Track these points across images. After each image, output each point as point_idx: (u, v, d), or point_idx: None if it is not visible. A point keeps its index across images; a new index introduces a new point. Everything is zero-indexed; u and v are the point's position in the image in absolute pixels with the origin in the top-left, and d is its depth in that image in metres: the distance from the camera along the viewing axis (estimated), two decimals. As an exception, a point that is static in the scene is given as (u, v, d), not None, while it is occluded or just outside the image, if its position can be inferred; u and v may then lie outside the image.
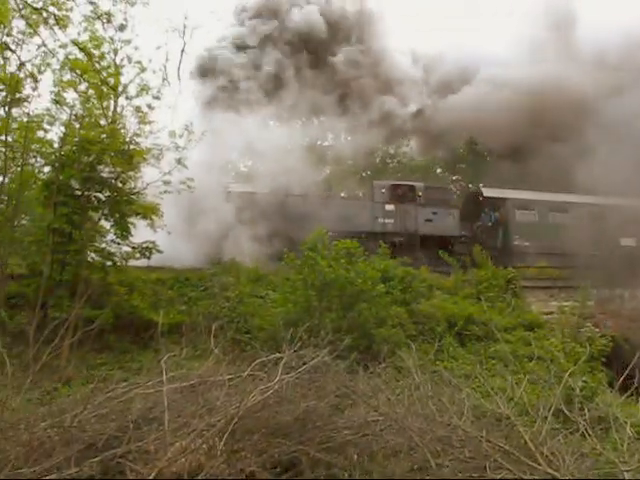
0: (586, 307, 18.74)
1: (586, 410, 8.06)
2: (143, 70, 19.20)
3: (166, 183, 16.68)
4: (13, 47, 16.74)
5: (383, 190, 24.41)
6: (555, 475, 5.98)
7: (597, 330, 16.27)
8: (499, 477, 6.02)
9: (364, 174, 39.64)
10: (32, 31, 16.19)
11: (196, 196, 17.57)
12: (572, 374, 9.16)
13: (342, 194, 32.32)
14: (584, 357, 11.35)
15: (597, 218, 25.09)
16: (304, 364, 7.96)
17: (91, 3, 15.28)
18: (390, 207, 23.74)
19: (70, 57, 16.60)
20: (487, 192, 26.69)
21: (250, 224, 20.27)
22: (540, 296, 20.97)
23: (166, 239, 16.50)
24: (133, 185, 16.35)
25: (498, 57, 31.40)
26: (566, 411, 8.02)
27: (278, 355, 8.13)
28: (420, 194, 24.63)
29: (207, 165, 18.71)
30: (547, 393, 9.24)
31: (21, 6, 15.19)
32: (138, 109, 17.37)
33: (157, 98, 18.26)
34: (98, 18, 15.52)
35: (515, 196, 26.22)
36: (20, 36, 16.81)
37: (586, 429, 7.36)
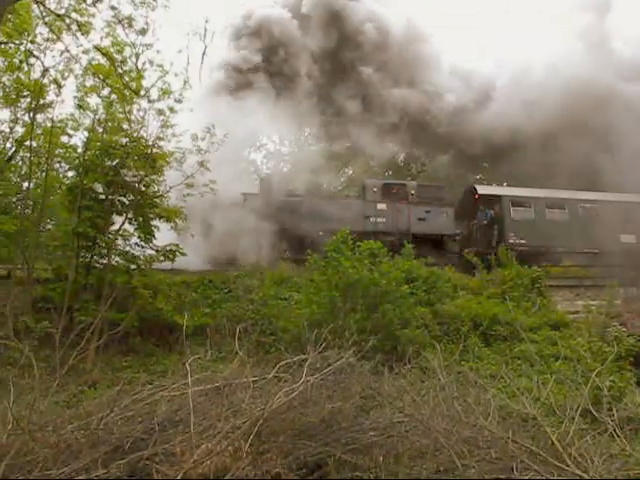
0: (613, 306, 18.54)
1: (614, 410, 7.98)
2: (165, 73, 19.31)
3: (189, 186, 16.77)
4: (37, 54, 16.94)
5: (375, 189, 24.23)
6: (583, 476, 5.92)
7: (624, 329, 16.07)
8: (526, 478, 5.97)
9: (386, 174, 39.49)
10: (55, 37, 16.36)
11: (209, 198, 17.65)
12: (599, 374, 9.06)
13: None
14: (611, 356, 11.21)
15: (597, 215, 24.97)
16: (329, 365, 7.94)
17: (113, 8, 15.38)
18: (382, 206, 23.57)
19: (93, 62, 16.74)
20: (482, 190, 26.46)
21: (257, 225, 20.37)
22: (566, 295, 20.77)
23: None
24: (156, 188, 16.45)
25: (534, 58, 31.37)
26: (594, 411, 7.93)
27: (302, 356, 8.11)
28: (413, 192, 24.41)
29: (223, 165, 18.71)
30: (574, 393, 9.14)
31: (44, 13, 15.34)
32: (160, 112, 17.45)
33: (179, 101, 18.34)
34: (119, 23, 15.62)
35: (510, 193, 26.01)
36: (44, 43, 17.02)
37: (615, 429, 7.26)
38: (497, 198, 25.45)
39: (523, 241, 24.11)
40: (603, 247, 23.38)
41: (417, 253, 20.29)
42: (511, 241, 23.92)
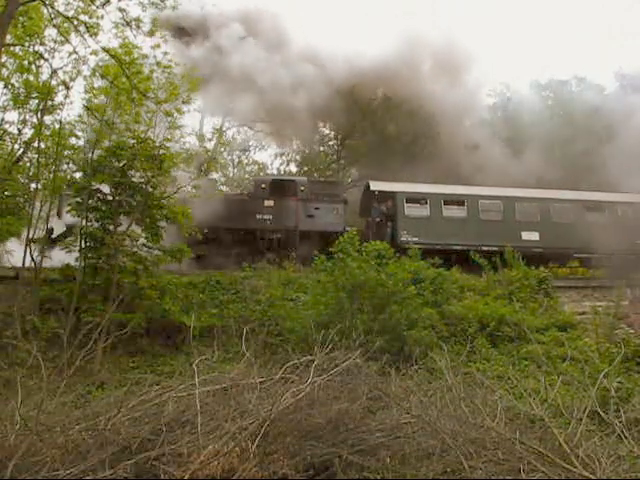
0: (620, 307, 18.47)
1: (622, 412, 7.93)
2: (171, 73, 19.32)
3: (196, 187, 16.82)
4: (46, 55, 16.99)
5: (263, 185, 23.87)
6: (591, 478, 5.89)
7: (632, 331, 16.04)
8: (534, 479, 5.96)
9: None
10: (64, 39, 16.40)
11: None
12: (607, 375, 9.02)
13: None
14: (619, 358, 11.17)
15: (499, 211, 24.54)
16: (336, 366, 7.95)
17: (120, 10, 15.42)
18: (269, 203, 23.10)
19: (101, 64, 16.78)
20: (375, 185, 25.47)
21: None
22: (573, 296, 20.71)
23: None
24: (163, 189, 16.50)
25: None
26: (601, 413, 7.90)
27: (310, 357, 8.11)
28: (303, 189, 23.90)
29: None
30: (581, 394, 9.11)
31: (53, 15, 15.39)
32: (168, 114, 17.46)
33: (186, 102, 18.33)
34: (127, 25, 15.65)
35: (405, 189, 25.05)
36: (52, 44, 17.05)
37: (622, 431, 7.23)
38: (391, 194, 24.64)
39: (416, 239, 23.09)
40: (505, 245, 22.31)
41: (306, 250, 20.46)
42: (403, 239, 23.09)
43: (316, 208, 23.61)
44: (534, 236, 24.31)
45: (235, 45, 30.11)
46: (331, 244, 22.71)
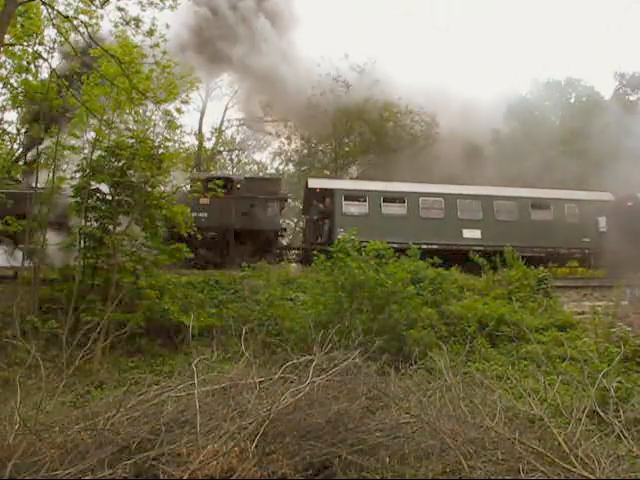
0: (619, 307, 18.45)
1: (621, 411, 7.95)
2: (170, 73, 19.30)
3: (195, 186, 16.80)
4: (45, 55, 16.99)
5: (199, 183, 23.25)
6: (590, 478, 5.90)
7: (631, 330, 16.02)
8: (533, 479, 5.96)
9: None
10: (63, 39, 16.39)
11: None
12: (606, 375, 9.02)
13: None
14: (618, 357, 11.18)
15: (440, 208, 24.26)
16: (335, 366, 7.94)
17: (120, 9, 15.39)
18: (205, 201, 21.81)
19: (100, 63, 16.76)
20: (313, 183, 25.31)
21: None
22: (572, 296, 20.69)
23: None
24: (162, 189, 16.49)
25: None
26: (601, 412, 7.91)
27: (309, 357, 8.11)
28: (239, 186, 23.27)
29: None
30: (581, 394, 9.11)
31: (52, 15, 15.38)
32: (167, 113, 17.47)
33: (185, 102, 18.35)
34: (127, 24, 15.63)
35: (343, 186, 24.91)
36: (51, 44, 17.05)
37: (622, 431, 7.24)
38: (330, 191, 24.22)
39: (352, 237, 22.61)
40: (447, 242, 22.58)
41: (241, 249, 20.40)
42: (340, 237, 21.52)
43: (251, 206, 23.04)
44: (476, 234, 23.99)
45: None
46: (270, 243, 22.36)
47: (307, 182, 26.02)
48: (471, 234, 23.92)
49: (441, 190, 24.96)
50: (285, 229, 23.84)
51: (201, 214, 21.90)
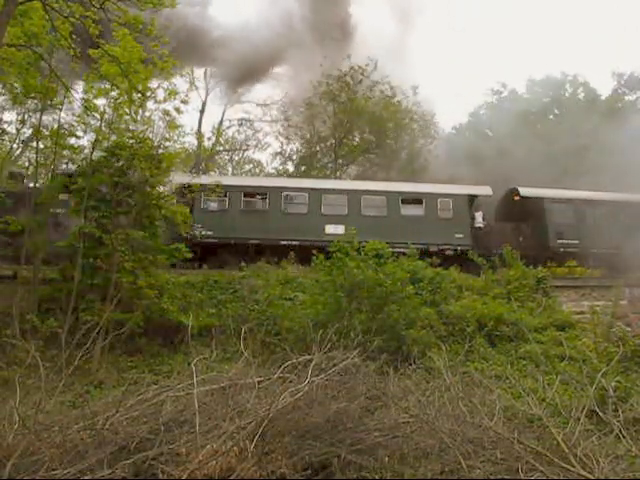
0: (618, 307, 18.45)
1: (620, 411, 7.95)
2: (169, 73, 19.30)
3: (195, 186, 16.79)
4: (45, 55, 16.95)
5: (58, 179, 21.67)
6: (589, 477, 5.91)
7: (630, 330, 16.03)
8: (532, 479, 5.96)
9: None
10: (63, 40, 16.37)
11: None
12: (605, 374, 9.03)
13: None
14: (617, 357, 11.18)
15: (305, 204, 23.42)
16: (334, 366, 7.96)
17: (119, 10, 15.34)
18: (64, 196, 19.51)
19: (101, 63, 16.75)
20: (178, 178, 22.97)
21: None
22: (571, 295, 20.68)
23: None
24: (162, 189, 16.49)
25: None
26: (599, 412, 7.92)
27: (308, 357, 8.12)
28: None
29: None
30: (580, 394, 9.14)
31: (52, 16, 15.35)
32: (166, 113, 17.47)
33: (185, 102, 18.33)
34: (125, 25, 15.60)
35: (204, 182, 23.05)
36: (51, 45, 17.01)
37: (620, 430, 7.25)
38: (189, 187, 22.43)
39: (210, 232, 22.09)
40: (308, 238, 21.73)
41: None
42: (196, 232, 21.57)
43: None
44: (339, 230, 22.62)
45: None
46: None
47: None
48: (334, 230, 22.74)
49: (305, 185, 24.36)
50: None
51: (58, 210, 19.97)
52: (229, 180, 24.52)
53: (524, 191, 25.02)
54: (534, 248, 23.62)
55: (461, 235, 23.12)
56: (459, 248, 23.03)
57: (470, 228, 23.79)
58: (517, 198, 24.97)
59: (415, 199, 24.25)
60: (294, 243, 21.59)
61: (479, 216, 24.42)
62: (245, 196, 23.57)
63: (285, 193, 23.66)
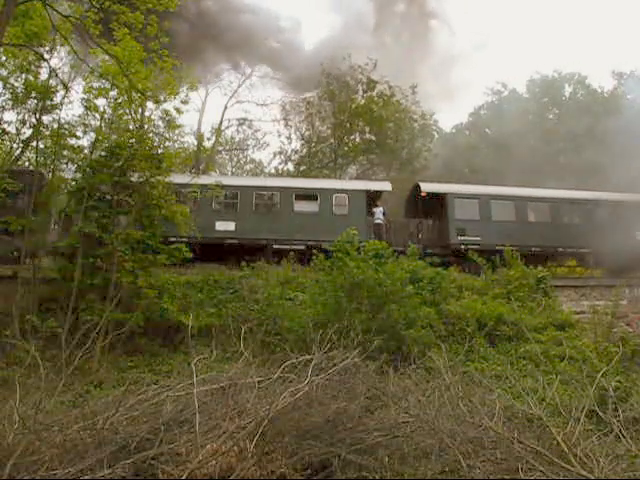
0: (618, 306, 18.43)
1: (620, 411, 7.94)
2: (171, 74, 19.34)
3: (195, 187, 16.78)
4: (45, 55, 16.98)
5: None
6: (589, 477, 5.90)
7: (630, 330, 16.04)
8: (532, 479, 5.96)
9: None
10: (63, 40, 16.39)
11: None
12: (605, 374, 9.03)
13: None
14: (617, 357, 11.19)
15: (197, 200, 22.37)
16: (334, 365, 7.95)
17: (119, 10, 15.35)
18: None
19: (100, 63, 16.77)
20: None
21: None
22: (571, 295, 20.67)
23: None
24: (162, 189, 16.50)
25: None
26: (600, 412, 7.91)
27: (308, 357, 8.12)
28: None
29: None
30: (580, 394, 9.13)
31: (52, 16, 15.36)
32: (166, 113, 17.50)
33: (185, 102, 18.36)
34: (125, 25, 15.61)
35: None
36: (51, 44, 17.04)
37: (620, 430, 7.23)
38: None
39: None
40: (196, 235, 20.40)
41: None
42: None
43: None
44: (230, 226, 22.90)
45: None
46: None
47: None
48: (224, 226, 22.82)
49: (199, 181, 22.97)
50: None
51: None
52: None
53: (426, 187, 24.84)
54: (435, 245, 23.53)
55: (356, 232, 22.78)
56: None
57: (367, 225, 23.29)
58: (423, 194, 24.65)
59: (309, 195, 23.92)
60: (184, 240, 19.78)
61: (379, 212, 24.05)
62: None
63: (179, 190, 21.51)
